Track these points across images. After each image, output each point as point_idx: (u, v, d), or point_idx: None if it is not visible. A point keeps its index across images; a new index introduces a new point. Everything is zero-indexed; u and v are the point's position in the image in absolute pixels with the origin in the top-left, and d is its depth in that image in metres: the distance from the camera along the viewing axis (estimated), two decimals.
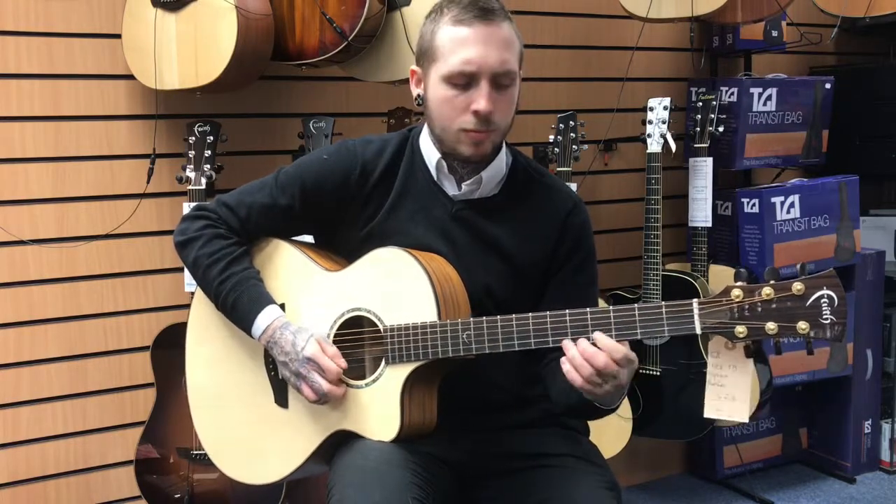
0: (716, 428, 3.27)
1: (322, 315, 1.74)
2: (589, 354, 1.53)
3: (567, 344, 1.56)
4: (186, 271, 2.16)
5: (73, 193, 2.62)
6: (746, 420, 1.56)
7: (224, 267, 1.75)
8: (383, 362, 1.68)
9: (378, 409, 1.67)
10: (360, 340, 1.73)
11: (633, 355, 1.55)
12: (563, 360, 1.56)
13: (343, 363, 1.68)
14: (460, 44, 1.65)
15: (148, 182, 2.60)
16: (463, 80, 1.66)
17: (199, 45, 2.41)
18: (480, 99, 1.65)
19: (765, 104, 3.34)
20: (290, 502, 2.58)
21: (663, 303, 1.52)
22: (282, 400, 1.79)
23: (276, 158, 2.78)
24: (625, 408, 3.05)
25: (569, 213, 1.80)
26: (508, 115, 1.71)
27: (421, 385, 1.68)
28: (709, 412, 1.60)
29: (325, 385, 1.65)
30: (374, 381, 1.68)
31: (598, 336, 1.54)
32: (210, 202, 1.84)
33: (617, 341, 1.54)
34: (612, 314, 1.55)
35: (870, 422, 3.65)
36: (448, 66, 1.66)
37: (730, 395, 1.57)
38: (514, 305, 1.67)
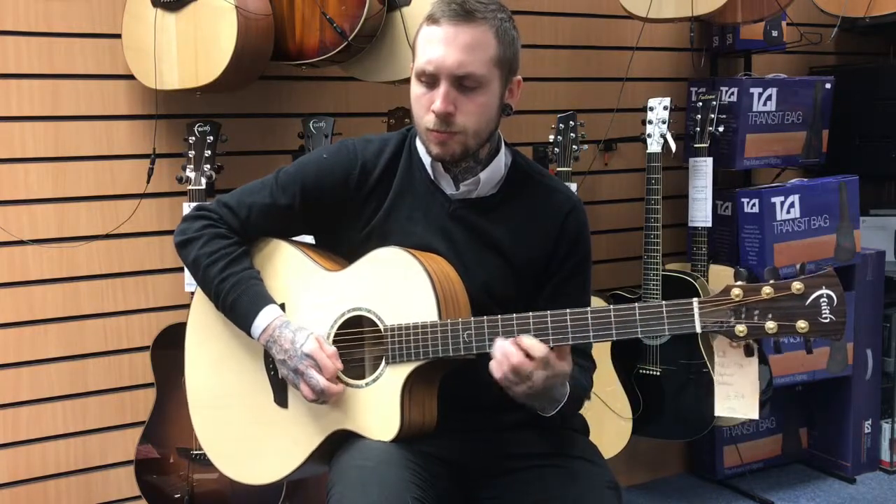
0: (716, 428, 3.28)
1: (322, 315, 1.74)
2: (506, 352, 1.57)
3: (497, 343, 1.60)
4: (186, 271, 2.16)
5: (73, 193, 2.62)
6: (757, 416, 1.57)
7: (224, 266, 1.76)
8: (383, 362, 1.68)
9: (378, 409, 1.67)
10: (360, 340, 1.74)
11: (553, 360, 1.58)
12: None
13: (340, 364, 1.69)
14: (427, 42, 1.67)
15: (148, 182, 2.60)
16: (427, 79, 1.68)
17: (199, 45, 2.41)
18: (437, 99, 1.65)
19: (765, 104, 3.34)
20: (289, 502, 2.58)
21: (663, 302, 1.53)
22: (281, 400, 1.79)
23: (276, 158, 2.78)
24: (625, 408, 3.05)
25: (567, 214, 1.80)
26: (478, 118, 1.69)
27: (421, 385, 1.68)
28: (720, 411, 1.61)
29: (322, 381, 1.66)
30: (374, 380, 1.68)
31: (522, 337, 1.58)
32: (210, 202, 1.85)
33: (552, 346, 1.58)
34: (612, 313, 1.55)
35: (870, 422, 3.65)
36: (417, 64, 1.70)
37: (739, 392, 1.58)
38: (514, 303, 1.68)
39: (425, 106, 1.68)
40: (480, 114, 1.69)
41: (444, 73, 1.65)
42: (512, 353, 1.56)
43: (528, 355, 1.56)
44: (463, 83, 1.66)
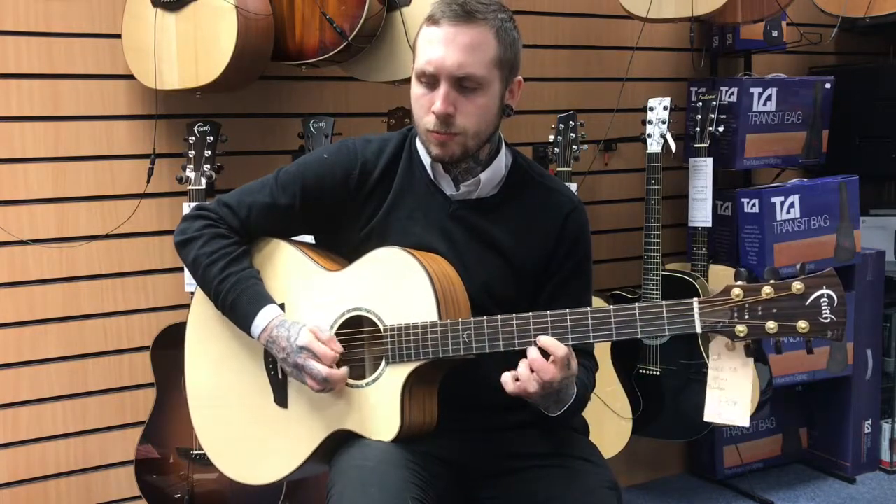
0: (716, 428, 3.27)
1: (322, 315, 1.74)
2: (538, 366, 1.56)
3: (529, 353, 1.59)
4: (186, 271, 2.16)
5: (73, 193, 2.62)
6: (747, 424, 1.56)
7: (224, 266, 1.76)
8: (383, 362, 1.68)
9: (378, 409, 1.67)
10: (360, 340, 1.74)
11: (572, 360, 1.58)
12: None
13: (339, 347, 1.68)
14: (427, 43, 1.67)
15: (148, 182, 2.60)
16: (427, 80, 1.68)
17: (199, 45, 2.41)
18: (437, 100, 1.66)
19: (765, 104, 3.34)
20: (289, 502, 2.58)
21: (663, 302, 1.53)
22: (281, 400, 1.79)
23: (276, 158, 2.78)
24: (625, 408, 3.05)
25: (568, 215, 1.80)
26: (478, 119, 1.69)
27: (421, 385, 1.68)
28: (709, 416, 1.60)
29: (323, 370, 1.65)
30: (374, 380, 1.68)
31: (541, 337, 1.57)
32: (210, 202, 1.84)
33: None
34: (612, 313, 1.55)
35: (870, 422, 3.65)
36: (417, 65, 1.70)
37: (730, 399, 1.57)
38: (514, 304, 1.68)
39: (425, 107, 1.68)
40: (480, 115, 1.69)
41: (443, 74, 1.65)
42: (545, 367, 1.56)
43: (549, 358, 1.56)
44: (463, 84, 1.66)
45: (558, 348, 1.56)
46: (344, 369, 1.68)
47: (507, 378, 1.59)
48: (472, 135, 1.69)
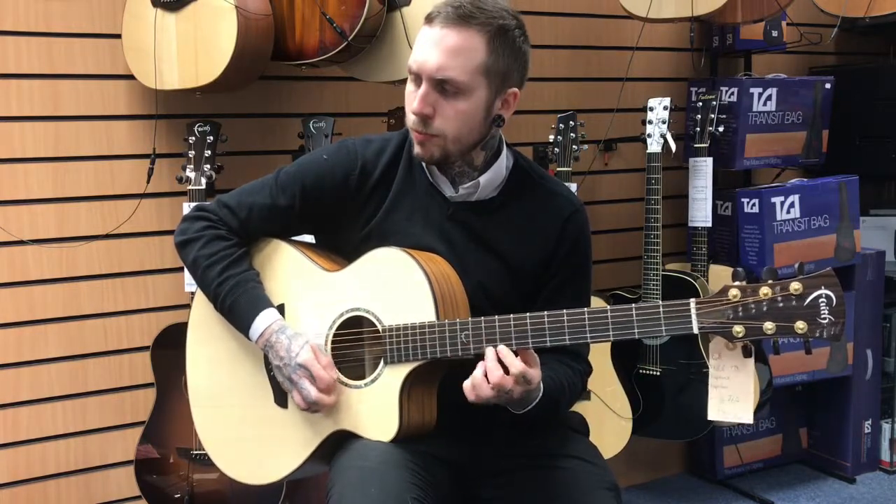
0: (716, 428, 3.28)
1: (321, 315, 1.74)
2: (499, 383, 1.56)
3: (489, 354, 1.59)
4: (186, 271, 2.16)
5: (73, 193, 2.62)
6: (751, 420, 1.56)
7: (223, 269, 1.76)
8: (382, 362, 1.68)
9: (377, 410, 1.67)
10: (359, 340, 1.74)
11: (530, 374, 1.57)
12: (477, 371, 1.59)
13: (335, 374, 1.69)
14: (420, 41, 1.68)
15: (148, 182, 2.60)
16: (414, 78, 1.68)
17: (199, 45, 2.41)
18: (415, 99, 1.66)
19: (765, 104, 3.34)
20: (289, 502, 2.58)
21: (661, 302, 1.52)
22: (281, 400, 1.79)
23: (276, 158, 2.78)
24: (625, 408, 3.05)
25: (568, 217, 1.79)
26: (457, 125, 1.67)
27: (420, 385, 1.68)
28: (713, 415, 1.59)
29: (313, 393, 1.66)
30: (372, 381, 1.69)
31: (502, 349, 1.57)
32: (210, 203, 1.84)
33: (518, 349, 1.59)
34: (609, 314, 1.55)
35: (870, 422, 3.65)
36: (408, 62, 1.69)
37: (733, 396, 1.57)
38: (511, 305, 1.67)
39: (410, 104, 1.69)
40: (460, 121, 1.67)
41: (424, 74, 1.65)
42: (503, 379, 1.56)
43: (507, 371, 1.56)
44: (444, 87, 1.65)
45: (513, 365, 1.56)
46: (333, 398, 1.68)
47: (467, 386, 1.59)
48: (451, 139, 1.68)
